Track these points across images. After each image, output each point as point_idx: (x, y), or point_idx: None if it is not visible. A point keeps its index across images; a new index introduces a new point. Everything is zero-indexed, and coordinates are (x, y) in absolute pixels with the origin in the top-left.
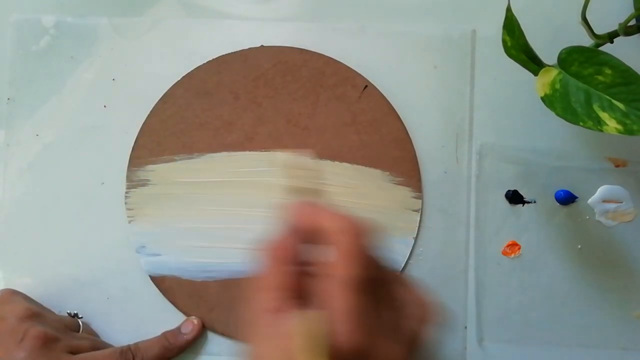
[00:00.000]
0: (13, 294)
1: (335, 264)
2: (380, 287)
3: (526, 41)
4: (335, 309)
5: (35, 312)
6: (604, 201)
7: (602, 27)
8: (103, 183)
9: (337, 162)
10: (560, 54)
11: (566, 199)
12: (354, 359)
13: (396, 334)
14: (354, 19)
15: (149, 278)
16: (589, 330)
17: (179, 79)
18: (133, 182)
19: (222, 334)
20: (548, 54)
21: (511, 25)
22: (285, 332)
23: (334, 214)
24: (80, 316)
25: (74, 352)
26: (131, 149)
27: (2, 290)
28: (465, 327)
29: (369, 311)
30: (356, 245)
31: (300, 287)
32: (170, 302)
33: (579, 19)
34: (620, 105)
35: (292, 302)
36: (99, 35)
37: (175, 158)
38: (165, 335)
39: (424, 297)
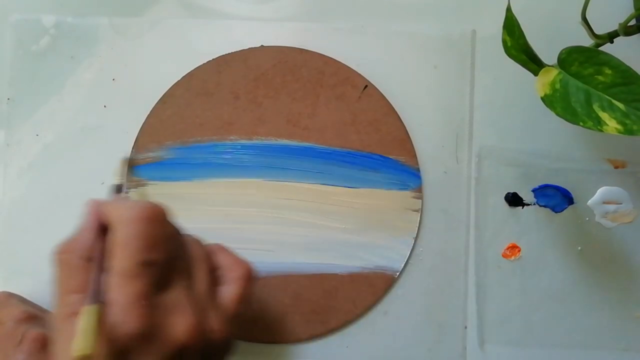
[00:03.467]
0: (9, 297)
1: (113, 254)
2: (173, 262)
3: (526, 41)
4: (114, 299)
5: (33, 315)
6: (603, 203)
7: (602, 27)
8: (103, 183)
9: None
10: (560, 54)
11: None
12: (142, 340)
13: (206, 303)
14: (354, 19)
15: None
16: (590, 331)
17: (179, 79)
18: (133, 182)
19: None
20: (548, 54)
21: (511, 25)
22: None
23: (116, 204)
24: None
25: None
26: (131, 149)
27: None
28: (465, 327)
29: (157, 293)
30: (130, 232)
31: (98, 286)
32: None
33: (579, 19)
34: (620, 105)
35: (92, 301)
36: (99, 35)
37: None
38: None
39: (239, 259)
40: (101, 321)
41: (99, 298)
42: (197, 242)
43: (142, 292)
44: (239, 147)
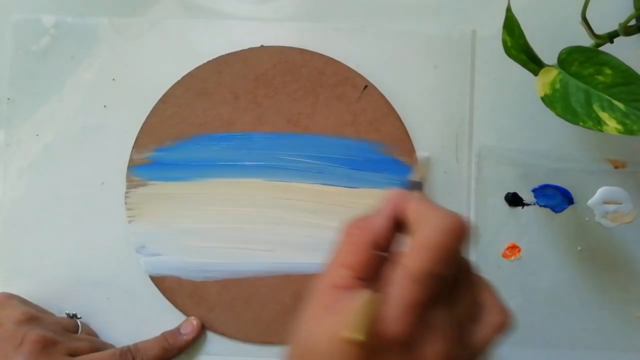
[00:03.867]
0: (9, 298)
1: (409, 254)
2: (455, 288)
3: (526, 41)
4: (393, 296)
5: (33, 316)
6: (603, 203)
7: (602, 27)
8: (103, 183)
9: None
10: (560, 54)
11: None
12: (397, 348)
13: (460, 336)
14: (354, 19)
15: (149, 278)
16: (590, 331)
17: (179, 79)
18: (133, 182)
19: (222, 334)
20: (548, 54)
21: (511, 25)
22: (340, 308)
23: (423, 204)
24: (79, 317)
25: (73, 354)
26: (131, 149)
27: None
28: None
29: (429, 307)
30: (436, 239)
31: (374, 271)
32: (170, 302)
33: (579, 19)
34: (620, 105)
35: (361, 283)
36: (99, 35)
37: None
38: (164, 335)
39: (503, 305)
40: (378, 312)
41: (382, 290)
42: (472, 268)
43: (422, 301)
44: (240, 137)
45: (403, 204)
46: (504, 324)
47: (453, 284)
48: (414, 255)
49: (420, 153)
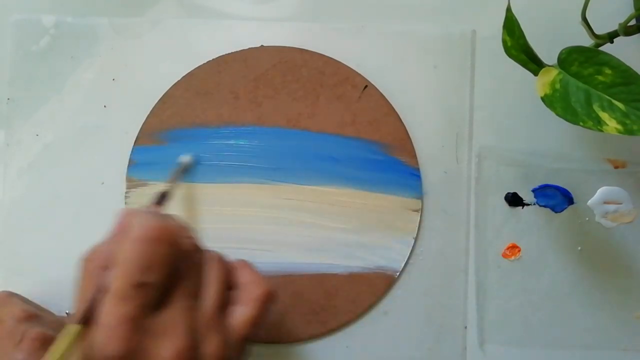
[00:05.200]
0: (9, 295)
1: (113, 274)
2: (176, 282)
3: (526, 41)
4: (106, 321)
5: (33, 314)
6: (603, 203)
7: (602, 27)
8: (103, 183)
9: None
10: (560, 54)
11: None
12: None
13: (203, 326)
14: (354, 19)
15: None
16: (590, 331)
17: (179, 79)
18: (133, 182)
19: None
20: (548, 54)
21: (511, 25)
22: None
23: (136, 219)
24: None
25: None
26: (131, 149)
27: None
28: (465, 327)
29: (147, 315)
30: (129, 251)
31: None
32: None
33: (579, 19)
34: (620, 105)
35: (75, 319)
36: (99, 35)
37: None
38: None
39: (259, 278)
40: (77, 342)
41: (88, 317)
42: (217, 259)
43: (131, 315)
44: (242, 131)
45: (127, 222)
46: (261, 296)
47: (178, 282)
48: (114, 273)
49: (182, 157)
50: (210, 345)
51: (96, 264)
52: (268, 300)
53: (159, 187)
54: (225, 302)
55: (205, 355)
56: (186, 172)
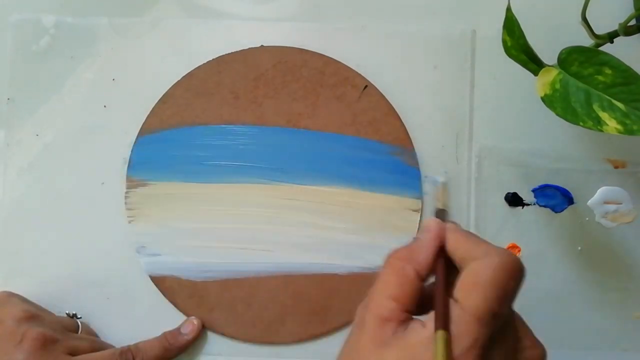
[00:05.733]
0: (10, 296)
1: (466, 291)
2: (504, 326)
3: (526, 41)
4: (462, 338)
5: (33, 314)
6: (603, 203)
7: (602, 27)
8: (103, 183)
9: None
10: (560, 54)
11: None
12: None
13: None
14: (354, 19)
15: (149, 278)
16: (590, 331)
17: (179, 79)
18: (133, 182)
19: (222, 334)
20: (548, 54)
21: (511, 25)
22: (396, 343)
23: (468, 241)
24: (79, 316)
25: (72, 353)
26: (131, 149)
27: None
28: None
29: (489, 348)
30: (496, 278)
31: (418, 302)
32: (170, 302)
33: (579, 19)
34: (620, 105)
35: (409, 316)
36: (99, 35)
37: None
38: (165, 335)
39: (536, 339)
40: (450, 352)
41: (446, 325)
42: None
43: (485, 342)
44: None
45: (444, 237)
46: (540, 358)
47: (504, 324)
48: (474, 292)
49: (437, 178)
50: None
51: (412, 267)
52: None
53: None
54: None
55: None
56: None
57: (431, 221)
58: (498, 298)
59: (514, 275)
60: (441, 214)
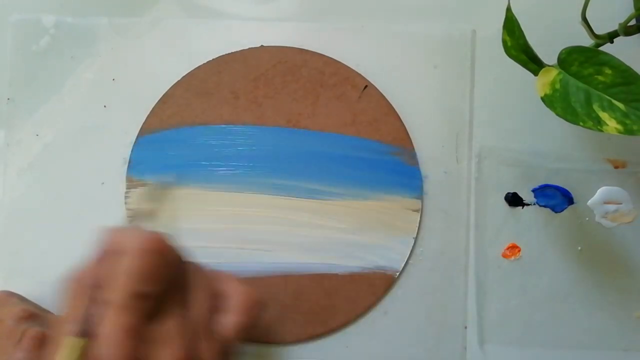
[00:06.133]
0: (9, 295)
1: (110, 287)
2: (169, 292)
3: (526, 41)
4: (102, 331)
5: (33, 313)
6: (603, 203)
7: (602, 27)
8: (103, 183)
9: None
10: (560, 54)
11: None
12: None
13: (199, 332)
14: (354, 19)
15: None
16: (590, 331)
17: (179, 79)
18: (133, 182)
19: None
20: (548, 54)
21: (511, 25)
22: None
23: (129, 235)
24: None
25: None
26: (131, 149)
27: None
28: (465, 327)
29: (146, 324)
30: (131, 264)
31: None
32: None
33: (579, 19)
34: (620, 105)
35: (74, 332)
36: (99, 35)
37: None
38: None
39: (242, 287)
40: (83, 355)
41: (86, 330)
42: (199, 268)
43: (131, 325)
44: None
45: (113, 240)
46: (247, 303)
47: (171, 292)
48: (112, 285)
49: (160, 178)
50: (205, 352)
51: (86, 283)
52: (254, 306)
53: (141, 206)
54: (213, 312)
55: None
56: (167, 192)
57: (103, 228)
58: (135, 280)
59: (146, 254)
60: (142, 215)
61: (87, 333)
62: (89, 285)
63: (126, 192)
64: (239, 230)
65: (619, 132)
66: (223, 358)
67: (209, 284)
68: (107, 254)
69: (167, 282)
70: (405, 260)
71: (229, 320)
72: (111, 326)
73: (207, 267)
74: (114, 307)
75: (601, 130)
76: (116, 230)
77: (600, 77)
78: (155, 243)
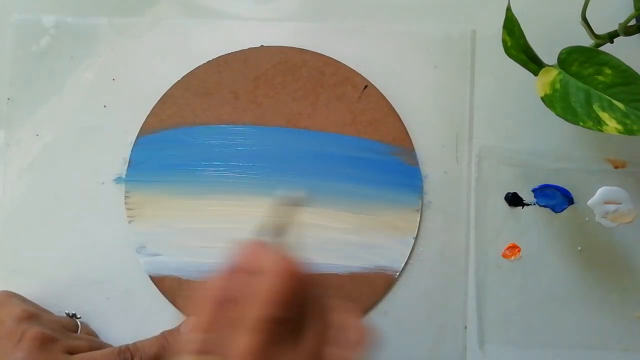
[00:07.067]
0: (9, 296)
1: (249, 306)
2: (303, 321)
3: (526, 41)
4: (231, 355)
5: (33, 313)
6: (603, 203)
7: (602, 27)
8: (103, 183)
9: None
10: (560, 54)
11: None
12: None
13: None
14: (354, 19)
15: (149, 278)
16: (590, 331)
17: (179, 79)
18: (133, 182)
19: None
20: (548, 54)
21: (511, 25)
22: None
23: (268, 254)
24: (78, 316)
25: (72, 352)
26: (131, 149)
27: None
28: (465, 328)
29: (268, 349)
30: (270, 286)
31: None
32: (170, 302)
33: (579, 19)
34: (620, 105)
35: (214, 345)
36: (99, 35)
37: None
38: (164, 335)
39: (361, 324)
40: None
41: (208, 347)
42: (319, 296)
43: (258, 348)
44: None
45: (252, 255)
46: (360, 339)
47: (303, 320)
48: (249, 305)
49: (282, 193)
50: None
51: (216, 296)
52: (367, 343)
53: (273, 219)
54: (327, 341)
55: None
56: (297, 208)
57: (239, 241)
58: (270, 304)
59: (284, 278)
60: (276, 233)
61: (208, 350)
62: (218, 299)
63: (126, 192)
64: (239, 230)
65: (619, 132)
66: None
67: (324, 313)
68: (241, 270)
69: (300, 308)
70: (405, 260)
71: (344, 355)
72: (243, 347)
73: (322, 293)
74: (248, 328)
75: (601, 130)
76: (252, 246)
77: (600, 77)
78: (294, 266)
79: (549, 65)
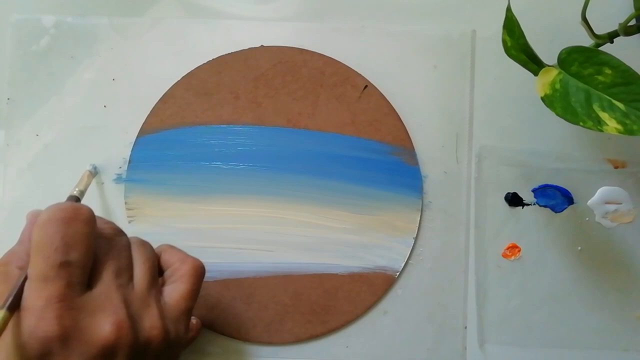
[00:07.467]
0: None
1: (30, 260)
2: (102, 261)
3: (526, 41)
4: (28, 306)
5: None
6: (603, 203)
7: (602, 27)
8: (103, 183)
9: None
10: (560, 54)
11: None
12: (59, 345)
13: (139, 302)
14: (354, 19)
15: None
16: (590, 331)
17: (179, 79)
18: (133, 182)
19: (222, 333)
20: (548, 54)
21: (511, 25)
22: None
23: (40, 212)
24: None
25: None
26: (131, 149)
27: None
28: (465, 327)
29: (70, 294)
30: (44, 234)
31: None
32: None
33: (579, 19)
34: (620, 105)
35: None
36: (99, 35)
37: None
38: None
39: (185, 255)
40: (4, 327)
41: (14, 304)
42: (142, 243)
43: (58, 294)
44: (242, 131)
45: (30, 217)
46: (191, 271)
47: (104, 261)
48: (32, 258)
49: (88, 166)
50: (148, 319)
51: (13, 266)
52: (198, 274)
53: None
54: (157, 282)
55: (145, 328)
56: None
57: (28, 212)
58: (55, 249)
59: (66, 220)
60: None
61: (15, 308)
62: (19, 267)
63: (126, 193)
64: (239, 230)
65: (619, 132)
66: (171, 326)
67: (151, 257)
68: (26, 235)
69: (96, 251)
70: (405, 260)
71: (176, 289)
72: (38, 297)
73: (146, 241)
74: (38, 278)
75: (601, 130)
76: (34, 212)
77: (600, 77)
78: (70, 211)
79: (549, 65)
